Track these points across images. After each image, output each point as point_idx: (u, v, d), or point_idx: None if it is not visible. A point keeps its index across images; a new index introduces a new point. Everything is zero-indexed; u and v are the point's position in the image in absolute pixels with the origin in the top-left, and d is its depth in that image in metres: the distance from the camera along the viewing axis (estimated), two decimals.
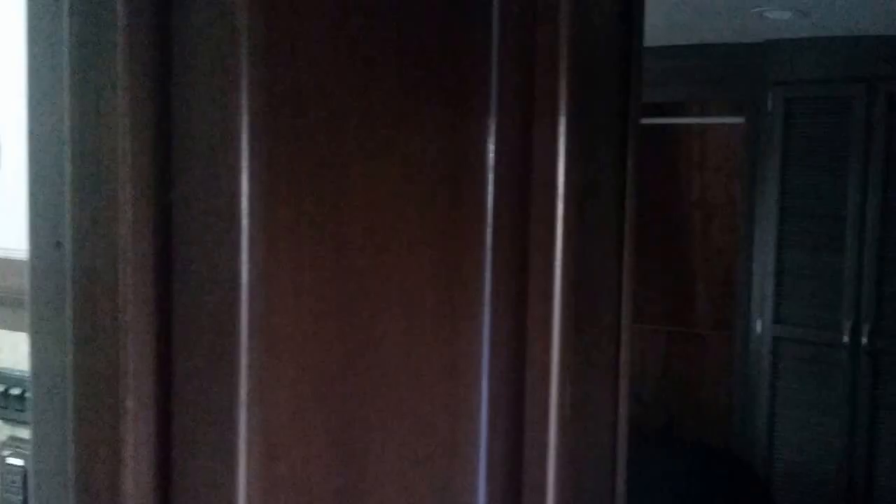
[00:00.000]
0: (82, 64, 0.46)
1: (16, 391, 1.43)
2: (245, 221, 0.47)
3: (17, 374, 1.43)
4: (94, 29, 0.46)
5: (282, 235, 0.50)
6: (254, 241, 0.48)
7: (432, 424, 0.66)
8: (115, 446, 0.48)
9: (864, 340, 3.11)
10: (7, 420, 1.46)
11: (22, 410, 1.43)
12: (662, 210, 4.01)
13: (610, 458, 0.86)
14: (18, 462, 1.41)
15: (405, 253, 0.64)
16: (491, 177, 0.70)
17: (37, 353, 0.53)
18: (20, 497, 1.41)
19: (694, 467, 3.32)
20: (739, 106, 3.51)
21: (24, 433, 1.44)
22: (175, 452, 0.49)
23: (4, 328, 1.39)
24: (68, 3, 0.47)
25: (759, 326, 3.33)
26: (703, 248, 4.02)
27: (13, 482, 1.42)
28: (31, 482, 0.53)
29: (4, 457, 1.43)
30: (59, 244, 0.49)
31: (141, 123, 0.46)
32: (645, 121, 2.17)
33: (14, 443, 1.44)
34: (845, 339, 3.14)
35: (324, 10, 0.52)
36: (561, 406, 0.71)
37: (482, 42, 0.69)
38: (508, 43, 0.69)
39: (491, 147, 0.70)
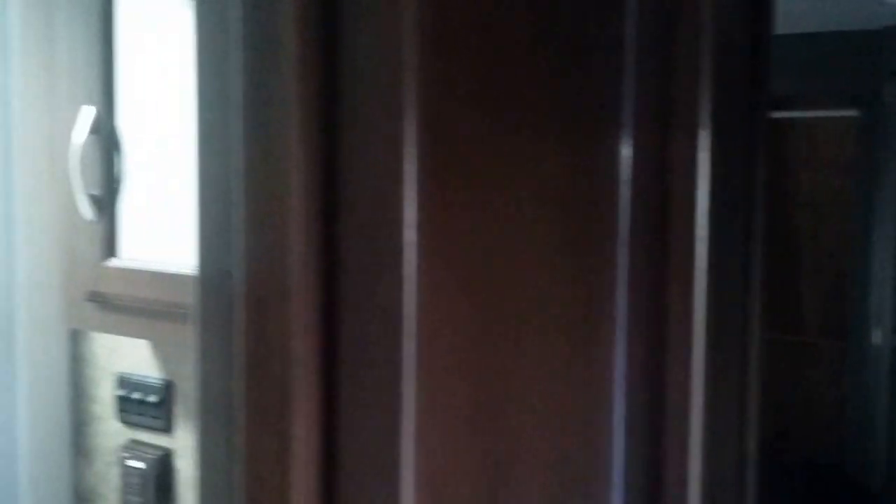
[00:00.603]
0: (253, 98, 0.47)
1: (136, 395, 1.48)
2: (408, 252, 0.47)
3: (137, 378, 1.48)
4: (264, 63, 0.47)
5: (440, 265, 0.50)
6: (416, 272, 0.48)
7: (569, 451, 0.65)
8: (282, 469, 0.49)
9: None
10: (128, 423, 1.51)
11: (141, 415, 1.48)
12: (768, 210, 3.89)
13: (740, 479, 0.85)
14: (139, 465, 1.46)
15: (543, 273, 0.64)
16: (627, 193, 0.69)
17: (204, 373, 0.54)
18: (140, 499, 1.46)
19: (803, 486, 3.22)
20: (853, 98, 3.38)
21: (144, 436, 1.49)
22: (340, 477, 0.50)
23: (125, 335, 1.44)
24: (237, 37, 0.48)
25: (877, 336, 3.20)
26: (813, 250, 3.91)
27: (133, 484, 1.47)
28: (199, 498, 0.55)
29: (125, 459, 1.48)
30: (228, 273, 0.50)
31: (309, 158, 0.46)
32: None
33: (134, 446, 1.49)
34: None
35: (472, 43, 0.53)
36: (701, 428, 0.69)
37: (617, 55, 0.68)
38: (645, 55, 0.68)
39: (627, 162, 0.69)
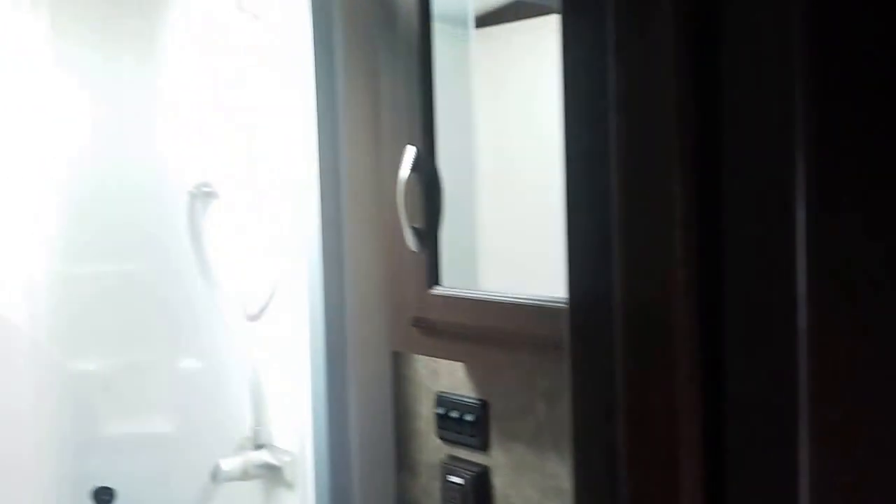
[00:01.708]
0: (630, 147, 0.49)
1: (454, 414, 1.56)
2: (802, 305, 0.46)
3: (454, 398, 1.56)
4: (642, 107, 0.49)
5: (836, 284, 0.48)
6: (811, 326, 0.46)
7: None
8: (668, 486, 0.49)
9: None
10: (446, 440, 1.59)
11: (459, 432, 1.56)
12: None
13: None
14: (458, 480, 1.54)
15: None
16: None
17: (578, 394, 0.56)
18: None
19: None
20: None
21: (462, 453, 1.56)
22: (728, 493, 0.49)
23: (444, 358, 1.52)
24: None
25: None
26: None
27: (453, 499, 1.55)
28: None
29: (445, 475, 1.56)
30: (603, 303, 0.51)
31: (689, 193, 0.47)
32: None
33: (453, 462, 1.57)
34: None
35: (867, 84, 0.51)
36: None
37: None
38: None
39: None
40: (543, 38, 1.38)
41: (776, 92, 0.47)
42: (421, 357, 1.64)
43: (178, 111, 2.25)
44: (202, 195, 2.15)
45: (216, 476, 1.91)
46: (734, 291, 0.49)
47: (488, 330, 1.32)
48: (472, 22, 1.48)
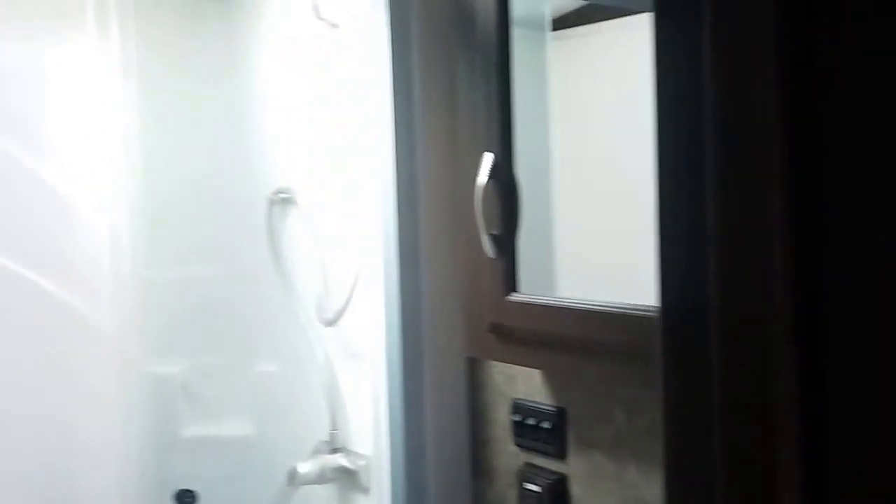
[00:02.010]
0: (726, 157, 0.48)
1: (530, 421, 1.55)
2: None
3: (531, 405, 1.56)
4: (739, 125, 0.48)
5: None
6: None
7: None
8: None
9: None
10: (523, 447, 1.58)
11: (536, 439, 1.54)
12: None
13: None
14: (535, 488, 1.53)
15: None
16: None
17: (671, 413, 0.55)
18: None
19: None
20: None
21: (539, 461, 1.55)
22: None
23: (521, 364, 1.52)
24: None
25: None
26: None
27: None
28: None
29: (522, 483, 1.56)
30: (698, 311, 0.50)
31: (788, 191, 0.46)
32: None
33: (529, 469, 1.56)
34: None
35: None
36: None
37: None
38: None
39: None
40: (622, 39, 1.37)
41: (874, 95, 0.46)
42: (496, 363, 1.63)
43: (258, 118, 2.29)
44: (280, 201, 2.18)
45: (293, 479, 1.93)
46: (834, 303, 0.48)
47: (566, 337, 1.31)
48: (548, 25, 1.47)
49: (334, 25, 1.88)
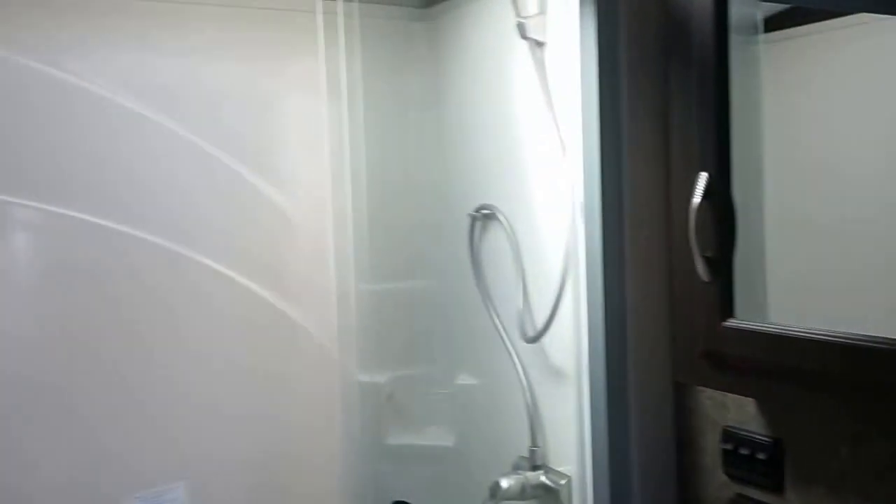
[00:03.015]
0: None
1: (743, 451, 1.48)
2: None
3: (744, 434, 1.49)
4: None
5: None
6: None
7: None
8: None
9: None
10: (734, 478, 1.52)
11: (750, 471, 1.48)
12: None
13: None
14: None
15: None
16: None
17: None
18: None
19: None
20: None
21: (753, 493, 1.48)
22: None
23: (734, 392, 1.46)
24: None
25: None
26: None
27: None
28: None
29: None
30: None
31: None
32: None
33: (742, 501, 1.50)
34: None
35: None
36: None
37: None
38: None
39: None
40: (840, 41, 1.28)
41: None
42: (705, 389, 1.57)
43: (461, 135, 2.33)
44: (482, 217, 2.21)
45: (495, 494, 1.95)
46: None
47: (786, 366, 1.24)
48: (760, 27, 1.39)
49: (540, 43, 1.88)
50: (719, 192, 1.29)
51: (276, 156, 2.25)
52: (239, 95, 2.19)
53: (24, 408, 1.97)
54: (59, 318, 2.00)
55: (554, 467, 1.93)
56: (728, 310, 1.29)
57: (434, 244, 2.42)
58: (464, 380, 2.37)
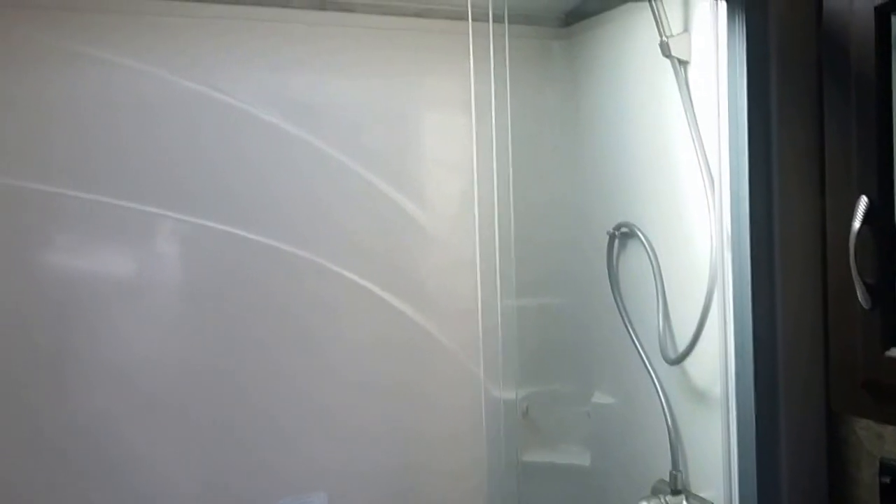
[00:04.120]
0: None
1: None
2: None
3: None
4: None
5: None
6: None
7: None
8: None
9: None
10: None
11: None
12: None
13: None
14: None
15: None
16: None
17: None
18: None
19: None
20: None
21: None
22: None
23: (894, 423, 1.39)
24: None
25: None
26: None
27: None
28: None
29: None
30: None
31: None
32: None
33: None
34: None
35: None
36: None
37: None
38: None
39: None
40: None
41: None
42: (860, 419, 1.51)
43: (600, 151, 2.32)
44: (621, 236, 2.19)
45: None
46: None
47: None
48: None
49: (684, 62, 1.86)
50: (880, 217, 1.24)
51: (418, 172, 2.30)
52: (382, 113, 2.25)
53: (181, 413, 2.08)
54: (204, 329, 2.09)
55: (697, 493, 1.89)
56: (891, 339, 1.24)
57: (573, 261, 2.42)
58: (600, 398, 2.35)
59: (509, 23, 2.16)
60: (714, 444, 1.76)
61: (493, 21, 2.07)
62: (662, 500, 1.93)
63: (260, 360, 2.14)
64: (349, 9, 2.21)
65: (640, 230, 2.10)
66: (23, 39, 1.93)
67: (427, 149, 2.32)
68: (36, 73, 1.94)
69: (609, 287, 2.23)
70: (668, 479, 1.96)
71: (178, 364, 2.07)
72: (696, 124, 1.80)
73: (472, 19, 2.07)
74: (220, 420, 2.11)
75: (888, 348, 1.24)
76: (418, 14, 2.27)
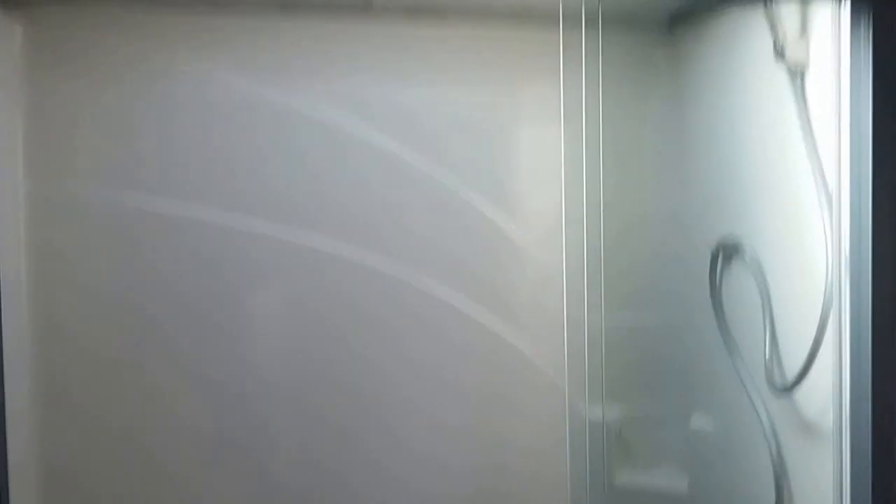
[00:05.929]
0: None
1: None
2: None
3: None
4: None
5: None
6: None
7: None
8: None
9: None
10: None
11: None
12: None
13: None
14: None
15: None
16: None
17: None
18: None
19: None
20: None
21: None
22: None
23: None
24: None
25: None
26: None
27: None
28: None
29: None
30: None
31: None
32: None
33: None
34: None
35: None
36: None
37: None
38: None
39: None
40: None
41: None
42: None
43: (703, 163, 2.21)
44: (724, 253, 2.08)
45: None
46: None
47: None
48: None
49: (800, 69, 1.74)
50: None
51: (507, 183, 2.24)
52: (472, 124, 2.20)
53: (292, 412, 2.08)
54: (305, 342, 2.12)
55: None
56: None
57: (671, 277, 2.31)
58: (698, 423, 2.24)
59: (605, 30, 2.07)
60: (824, 479, 1.64)
61: (589, 28, 1.99)
62: None
63: (365, 370, 2.18)
64: (441, 16, 2.17)
65: (747, 248, 1.98)
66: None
67: (519, 160, 2.26)
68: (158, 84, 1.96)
69: (710, 305, 2.12)
70: None
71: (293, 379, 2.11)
72: (813, 136, 1.68)
73: (564, 27, 2.01)
74: (321, 420, 2.15)
75: None
76: (511, 15, 2.20)
